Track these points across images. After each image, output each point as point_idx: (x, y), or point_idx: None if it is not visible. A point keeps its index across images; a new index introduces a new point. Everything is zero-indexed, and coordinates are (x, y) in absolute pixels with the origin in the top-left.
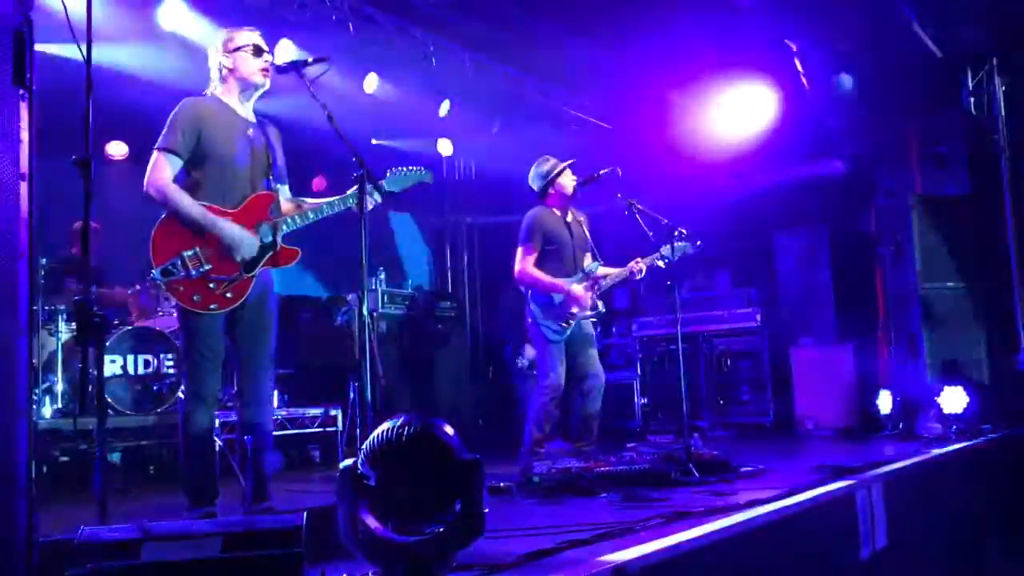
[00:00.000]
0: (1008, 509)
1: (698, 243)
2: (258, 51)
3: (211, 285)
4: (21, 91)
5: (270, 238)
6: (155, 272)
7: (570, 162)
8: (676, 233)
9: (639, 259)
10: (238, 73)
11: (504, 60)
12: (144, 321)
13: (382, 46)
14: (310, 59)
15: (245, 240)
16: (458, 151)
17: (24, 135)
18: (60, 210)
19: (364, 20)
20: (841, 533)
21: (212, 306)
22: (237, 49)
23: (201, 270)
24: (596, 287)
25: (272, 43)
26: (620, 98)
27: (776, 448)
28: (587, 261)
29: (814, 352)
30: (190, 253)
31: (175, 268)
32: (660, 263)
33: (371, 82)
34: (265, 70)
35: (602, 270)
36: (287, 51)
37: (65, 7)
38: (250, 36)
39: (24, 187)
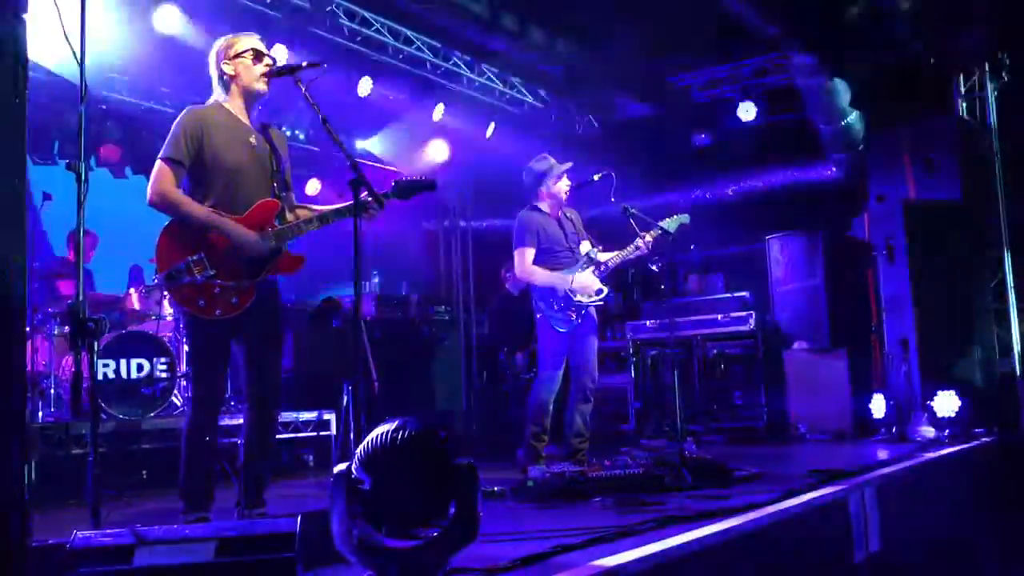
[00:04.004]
0: (1001, 512)
1: (691, 247)
2: (258, 56)
3: (216, 290)
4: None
5: (275, 245)
6: (159, 277)
7: (568, 165)
8: (670, 237)
9: (644, 233)
10: (240, 80)
11: (498, 64)
12: (137, 325)
13: (376, 50)
14: (304, 63)
15: (252, 239)
16: (452, 155)
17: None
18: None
19: (358, 24)
20: (834, 537)
21: (217, 311)
22: (238, 56)
23: (206, 275)
24: (603, 269)
25: (266, 47)
26: (615, 101)
27: (769, 452)
28: (584, 247)
29: (808, 356)
30: (195, 258)
31: (179, 273)
32: (667, 224)
33: (365, 86)
34: (266, 75)
35: (603, 255)
36: (281, 56)
37: (59, 12)
38: (249, 41)
39: None
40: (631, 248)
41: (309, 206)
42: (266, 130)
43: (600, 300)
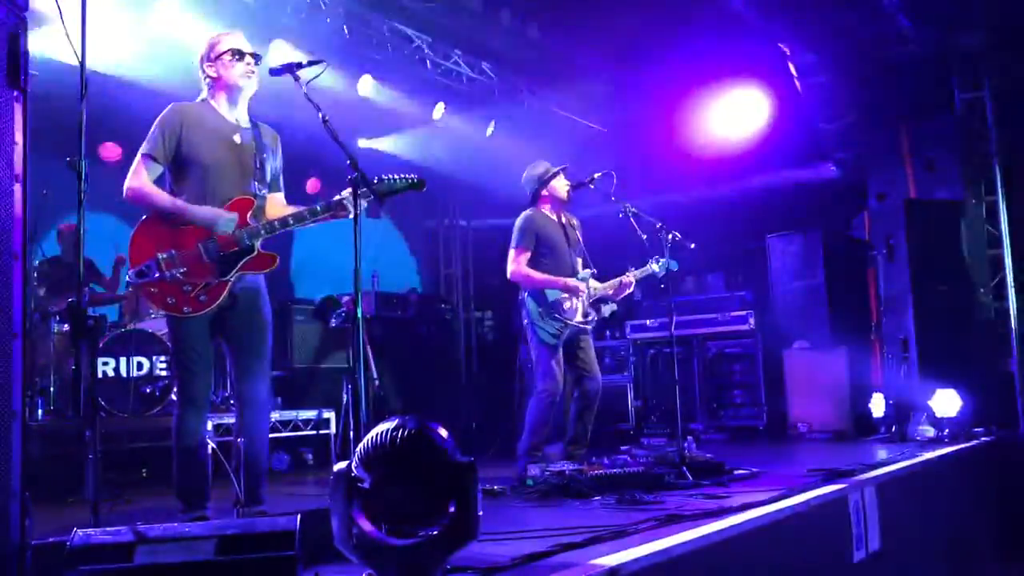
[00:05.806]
0: (999, 512)
1: (691, 245)
2: (239, 55)
3: (185, 288)
4: (15, 93)
5: (247, 243)
6: (131, 274)
7: (563, 167)
8: (670, 236)
9: (630, 272)
10: (222, 80)
11: (498, 63)
12: (137, 323)
13: (376, 48)
14: (304, 61)
15: (221, 217)
16: (452, 154)
17: (19, 137)
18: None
19: (358, 22)
20: (834, 536)
21: (185, 309)
22: (219, 56)
23: (175, 272)
24: (588, 296)
25: (266, 45)
26: (614, 101)
27: (769, 451)
28: (580, 269)
29: (807, 355)
30: (165, 256)
31: (149, 270)
32: (654, 267)
33: (365, 84)
34: (248, 74)
35: (593, 283)
36: (281, 53)
37: (60, 9)
38: (230, 41)
39: (18, 189)
40: (614, 282)
41: (295, 207)
42: (257, 128)
43: (588, 325)
